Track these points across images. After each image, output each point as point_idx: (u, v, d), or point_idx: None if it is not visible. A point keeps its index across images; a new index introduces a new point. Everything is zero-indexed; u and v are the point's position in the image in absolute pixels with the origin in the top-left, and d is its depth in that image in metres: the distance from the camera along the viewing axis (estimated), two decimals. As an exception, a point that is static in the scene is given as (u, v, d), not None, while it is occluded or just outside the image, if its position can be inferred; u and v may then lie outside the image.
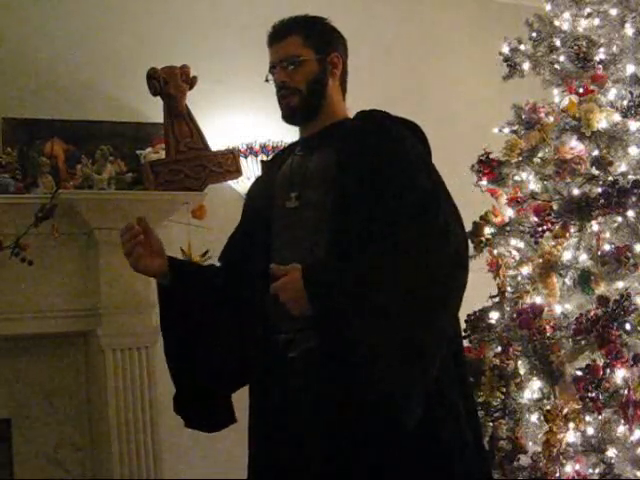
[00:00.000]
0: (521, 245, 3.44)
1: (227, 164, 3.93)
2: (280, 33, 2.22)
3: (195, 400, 2.25)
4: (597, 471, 3.05)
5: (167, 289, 2.21)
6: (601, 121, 3.29)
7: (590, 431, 3.09)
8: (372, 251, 1.99)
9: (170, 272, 2.19)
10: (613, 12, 3.52)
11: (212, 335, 2.21)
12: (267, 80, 2.25)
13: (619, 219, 3.22)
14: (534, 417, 3.18)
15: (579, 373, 3.05)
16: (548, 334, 3.17)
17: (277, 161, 2.35)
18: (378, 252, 1.98)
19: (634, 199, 3.17)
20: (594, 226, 3.24)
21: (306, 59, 2.19)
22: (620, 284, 3.17)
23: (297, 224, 2.14)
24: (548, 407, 3.10)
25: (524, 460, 3.15)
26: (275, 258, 2.12)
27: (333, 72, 2.23)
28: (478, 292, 3.16)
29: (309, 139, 2.25)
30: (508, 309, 3.36)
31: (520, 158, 3.42)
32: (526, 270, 3.41)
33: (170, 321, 2.23)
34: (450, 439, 2.01)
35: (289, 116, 2.23)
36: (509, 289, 3.42)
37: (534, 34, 3.64)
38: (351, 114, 2.28)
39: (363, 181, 2.06)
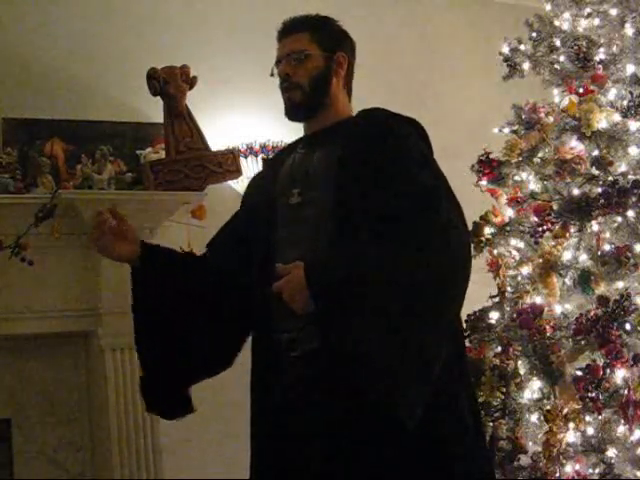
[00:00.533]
0: (521, 245, 3.44)
1: (227, 164, 3.93)
2: (289, 29, 2.24)
3: (157, 386, 2.26)
4: (597, 471, 3.05)
5: (136, 270, 2.24)
6: (601, 121, 3.29)
7: (590, 431, 3.09)
8: (374, 248, 1.99)
9: (140, 255, 2.21)
10: (613, 12, 3.52)
11: (181, 320, 2.22)
12: (272, 74, 2.26)
13: (619, 219, 3.22)
14: (534, 417, 3.18)
15: (579, 373, 3.05)
16: (548, 334, 3.17)
17: (279, 158, 2.36)
18: (380, 249, 1.98)
19: (634, 199, 3.17)
20: (594, 226, 3.24)
21: (311, 54, 2.20)
22: (620, 284, 3.17)
23: (299, 221, 2.14)
24: (548, 407, 3.10)
25: (524, 460, 3.15)
26: (276, 255, 2.12)
27: (338, 71, 2.24)
28: (478, 292, 3.17)
29: (312, 137, 2.25)
30: (508, 309, 3.36)
31: (520, 158, 3.42)
32: (526, 270, 3.41)
33: (140, 303, 2.26)
34: (451, 439, 2.01)
35: (291, 112, 2.23)
36: (509, 289, 3.42)
37: (534, 34, 3.64)
38: (353, 114, 2.28)
39: (365, 178, 2.06)
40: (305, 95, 2.20)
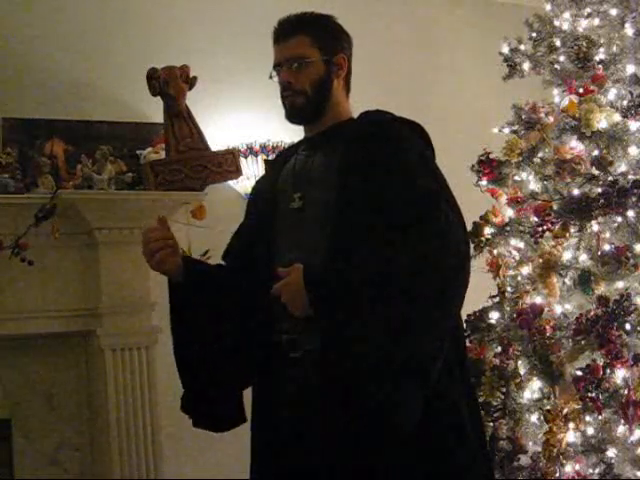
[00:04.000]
0: (521, 245, 3.44)
1: (227, 164, 3.90)
2: (287, 31, 2.20)
3: (203, 399, 2.23)
4: (597, 471, 3.05)
5: (181, 286, 2.19)
6: (601, 121, 3.29)
7: (590, 431, 3.09)
8: (373, 252, 1.99)
9: (184, 270, 2.18)
10: (613, 12, 3.52)
11: (221, 333, 2.19)
12: (271, 77, 2.24)
13: (619, 219, 3.22)
14: (534, 417, 3.18)
15: (579, 373, 3.05)
16: (548, 334, 3.17)
17: (280, 160, 2.35)
18: (379, 253, 1.98)
19: (634, 199, 3.17)
20: (594, 226, 3.24)
21: (312, 60, 2.17)
22: (620, 284, 3.17)
23: (300, 224, 2.14)
24: (548, 407, 3.10)
25: (524, 460, 3.15)
26: (277, 257, 2.12)
27: (338, 73, 2.22)
28: (478, 292, 3.17)
29: (313, 139, 2.25)
30: (508, 309, 3.36)
31: (520, 158, 3.42)
32: (526, 270, 3.40)
33: (181, 318, 2.22)
34: (451, 439, 2.01)
35: (293, 116, 2.22)
36: (509, 289, 3.42)
37: (534, 34, 3.64)
38: (353, 114, 2.28)
39: (366, 182, 2.06)
40: (308, 100, 2.18)
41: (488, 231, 3.48)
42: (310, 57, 2.17)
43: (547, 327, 3.19)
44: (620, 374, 3.06)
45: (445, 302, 1.98)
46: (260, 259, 2.17)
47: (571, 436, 3.05)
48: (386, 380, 1.90)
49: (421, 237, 1.97)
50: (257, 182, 2.47)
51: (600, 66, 3.47)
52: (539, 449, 3.10)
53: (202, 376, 2.20)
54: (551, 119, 3.49)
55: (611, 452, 3.03)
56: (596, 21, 3.54)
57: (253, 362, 2.17)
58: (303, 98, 2.18)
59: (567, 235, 3.26)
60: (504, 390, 3.18)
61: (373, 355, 1.91)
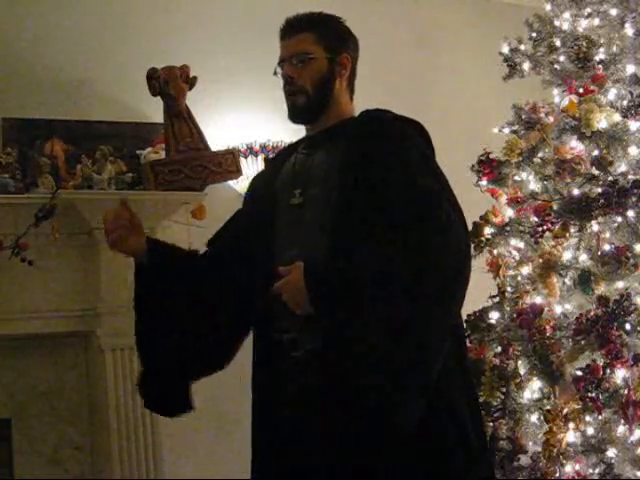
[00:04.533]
0: (521, 245, 3.44)
1: (227, 164, 3.93)
2: (293, 28, 2.22)
3: (156, 382, 2.25)
4: (597, 471, 3.05)
5: (141, 265, 2.23)
6: (601, 121, 3.29)
7: (590, 431, 3.09)
8: (374, 251, 1.99)
9: (148, 250, 2.21)
10: (613, 12, 3.52)
11: (182, 318, 2.22)
12: (275, 73, 2.25)
13: (619, 219, 3.22)
14: (534, 417, 3.18)
15: (579, 373, 3.05)
16: (548, 334, 3.17)
17: (281, 158, 2.35)
18: (380, 252, 1.98)
19: (634, 199, 3.17)
20: (594, 226, 3.24)
21: (316, 57, 2.19)
22: (620, 284, 3.17)
23: (300, 221, 2.14)
24: (548, 407, 3.10)
25: (524, 460, 3.15)
26: (277, 255, 2.12)
27: (341, 73, 2.23)
28: (478, 292, 3.16)
29: (314, 137, 2.25)
30: (508, 309, 3.36)
31: (520, 158, 3.42)
32: (526, 270, 3.40)
33: (143, 299, 2.26)
34: (451, 439, 2.01)
35: (295, 116, 2.23)
36: (509, 289, 3.42)
37: (534, 34, 3.64)
38: (355, 113, 2.28)
39: (366, 180, 2.06)
40: (308, 99, 2.19)
41: (488, 231, 3.48)
42: (313, 53, 2.19)
43: (547, 327, 3.19)
44: (620, 374, 3.06)
45: (446, 301, 1.98)
46: (260, 256, 2.18)
47: (571, 436, 3.05)
48: (387, 379, 1.90)
49: (422, 236, 1.97)
50: (254, 179, 2.46)
51: (600, 66, 3.47)
52: (539, 449, 3.10)
53: (156, 359, 2.24)
54: (551, 119, 3.49)
55: (611, 452, 3.03)
56: (596, 21, 3.54)
57: (208, 354, 2.22)
58: (304, 97, 2.19)
59: (567, 235, 3.26)
60: (504, 390, 3.18)
61: (373, 354, 1.91)
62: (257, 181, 2.42)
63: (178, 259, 2.30)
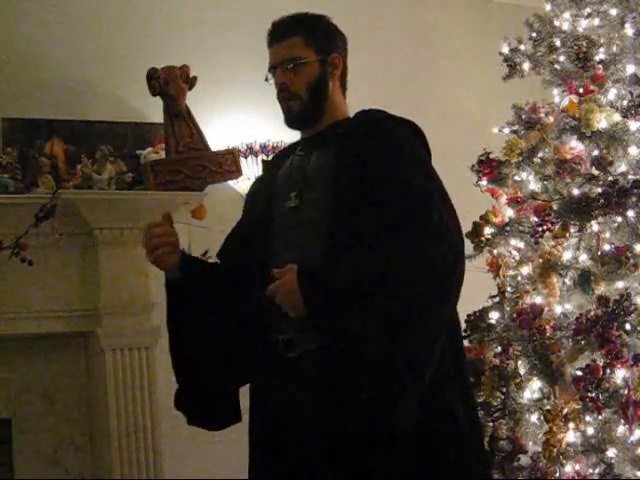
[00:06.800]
0: (521, 245, 3.44)
1: (227, 164, 3.90)
2: (281, 33, 2.20)
3: (199, 396, 2.22)
4: (597, 471, 3.05)
5: (178, 283, 2.20)
6: (601, 121, 3.28)
7: (590, 431, 3.09)
8: (367, 252, 1.99)
9: (182, 267, 2.18)
10: (613, 12, 3.52)
11: (218, 331, 2.19)
12: (267, 79, 2.24)
13: (619, 219, 3.21)
14: (534, 417, 3.18)
15: (579, 373, 3.04)
16: (548, 334, 3.17)
17: (277, 161, 2.35)
18: (374, 252, 1.98)
19: (634, 199, 3.17)
20: (594, 226, 3.24)
21: (307, 61, 2.17)
22: (620, 284, 3.17)
23: (296, 224, 2.14)
24: (548, 407, 3.10)
25: (524, 460, 3.15)
26: (274, 258, 2.12)
27: (333, 73, 2.22)
28: (478, 292, 3.17)
29: (309, 139, 2.25)
30: (508, 309, 3.36)
31: (520, 158, 3.42)
32: (526, 270, 3.40)
33: (177, 315, 2.22)
34: (448, 439, 2.01)
35: (292, 122, 2.22)
36: (509, 289, 3.42)
37: (534, 34, 3.64)
38: (351, 114, 2.28)
39: (361, 181, 2.06)
40: (304, 105, 2.18)
41: (488, 231, 3.48)
42: (305, 57, 2.17)
43: (547, 327, 3.19)
44: (620, 374, 3.05)
45: (441, 300, 1.98)
46: (257, 259, 2.17)
47: (571, 436, 3.05)
48: (384, 380, 1.90)
49: (416, 236, 1.97)
50: (254, 183, 2.47)
51: (600, 66, 3.47)
52: (539, 449, 3.10)
53: (197, 373, 2.20)
54: (551, 119, 3.49)
55: (611, 452, 3.03)
56: (596, 21, 3.54)
57: (248, 361, 2.17)
58: (299, 103, 2.18)
59: (567, 235, 3.26)
60: (504, 390, 3.19)
61: (370, 355, 1.91)
62: (254, 186, 2.42)
63: (209, 273, 2.28)
